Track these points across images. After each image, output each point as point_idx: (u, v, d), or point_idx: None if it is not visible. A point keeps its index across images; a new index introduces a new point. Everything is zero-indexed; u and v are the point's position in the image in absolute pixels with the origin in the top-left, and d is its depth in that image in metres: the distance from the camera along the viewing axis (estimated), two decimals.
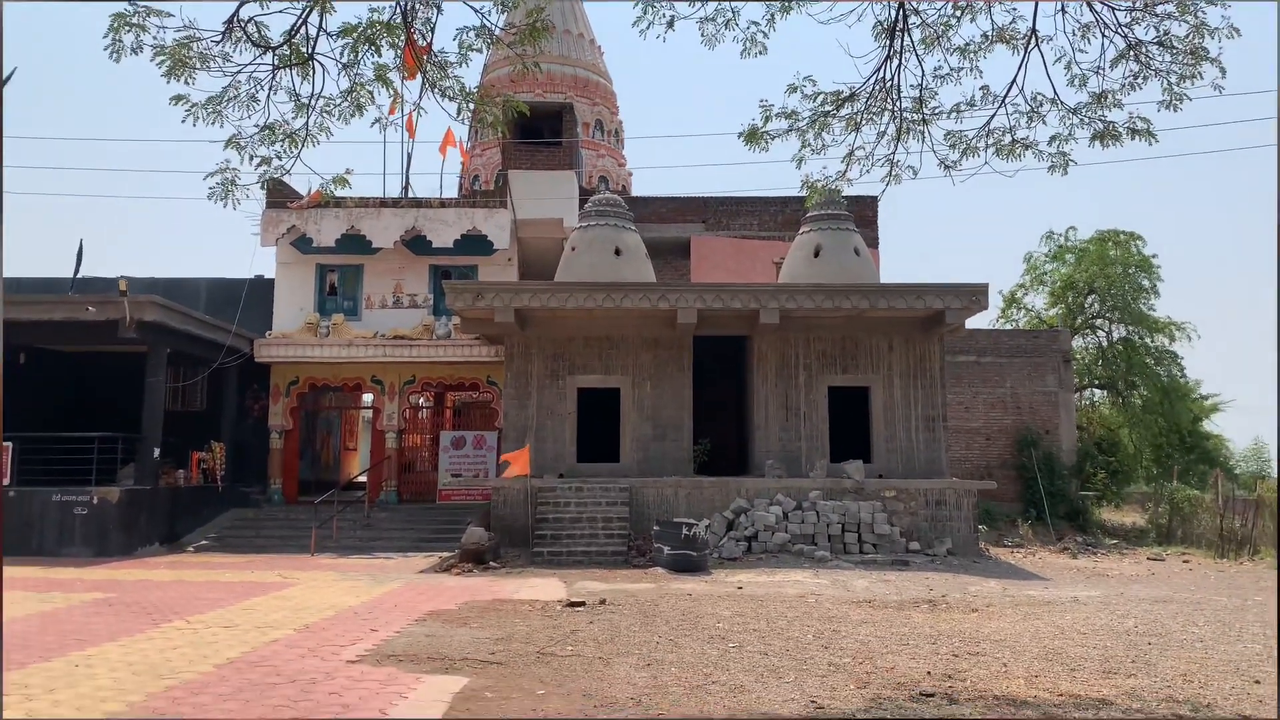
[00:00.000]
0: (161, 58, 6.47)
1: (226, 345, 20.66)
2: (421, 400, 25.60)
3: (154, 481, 18.48)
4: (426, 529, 19.85)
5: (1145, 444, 29.18)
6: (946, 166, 8.47)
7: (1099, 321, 31.28)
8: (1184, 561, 18.75)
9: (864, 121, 8.28)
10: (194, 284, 23.79)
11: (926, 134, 8.34)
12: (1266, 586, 14.46)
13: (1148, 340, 30.14)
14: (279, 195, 21.90)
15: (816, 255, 20.75)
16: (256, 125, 7.07)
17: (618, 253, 20.71)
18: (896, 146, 8.43)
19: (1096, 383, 31.52)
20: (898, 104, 8.08)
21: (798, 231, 22.22)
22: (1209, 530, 21.30)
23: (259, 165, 7.16)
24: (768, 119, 8.07)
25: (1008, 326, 32.45)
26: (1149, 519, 24.50)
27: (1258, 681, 7.42)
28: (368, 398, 24.72)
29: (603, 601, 11.56)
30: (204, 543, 18.98)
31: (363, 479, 24.00)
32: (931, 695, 6.82)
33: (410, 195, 23.60)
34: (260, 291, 23.29)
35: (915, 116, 8.18)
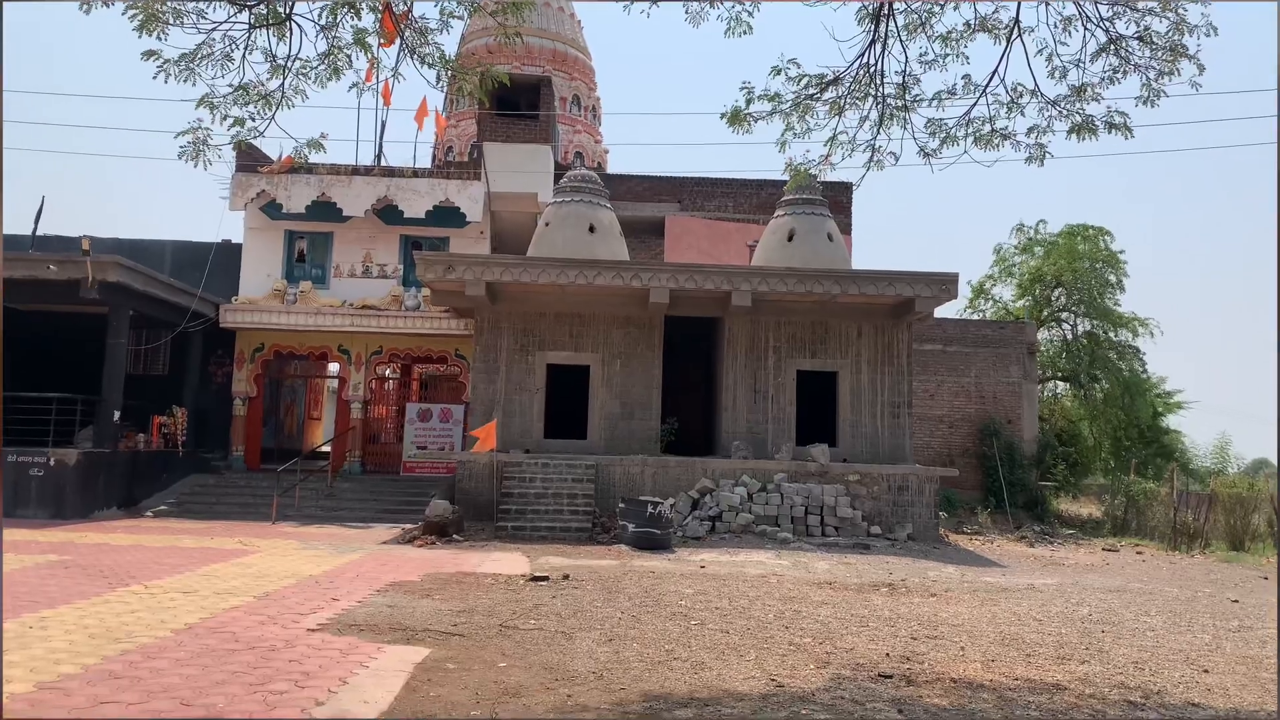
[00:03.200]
0: (134, 11, 6.31)
1: (191, 309, 20.37)
2: (388, 371, 25.42)
3: (113, 445, 18.21)
4: (390, 500, 19.76)
5: (1105, 437, 29.64)
6: (926, 154, 8.49)
7: (1064, 315, 31.65)
8: (1137, 553, 19.10)
9: (847, 106, 8.27)
10: (159, 246, 23.38)
11: (908, 121, 8.36)
12: (1216, 579, 14.78)
13: (1111, 335, 30.55)
14: (249, 159, 21.55)
15: (790, 239, 20.80)
16: (230, 85, 6.93)
17: (592, 230, 20.62)
18: (879, 132, 8.44)
19: (1060, 375, 31.92)
20: (881, 89, 8.08)
21: (773, 215, 22.25)
22: (1163, 523, 21.72)
23: (231, 126, 7.01)
24: (750, 100, 8.03)
25: (975, 317, 32.74)
26: (1105, 510, 24.93)
27: (1206, 671, 7.58)
28: (334, 367, 24.51)
29: (566, 577, 11.58)
30: (163, 508, 18.76)
31: (326, 449, 23.82)
32: (890, 676, 6.90)
33: (383, 164, 23.32)
34: (227, 256, 22.95)
35: (898, 102, 8.19)
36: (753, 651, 7.62)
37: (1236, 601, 11.98)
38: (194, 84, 6.82)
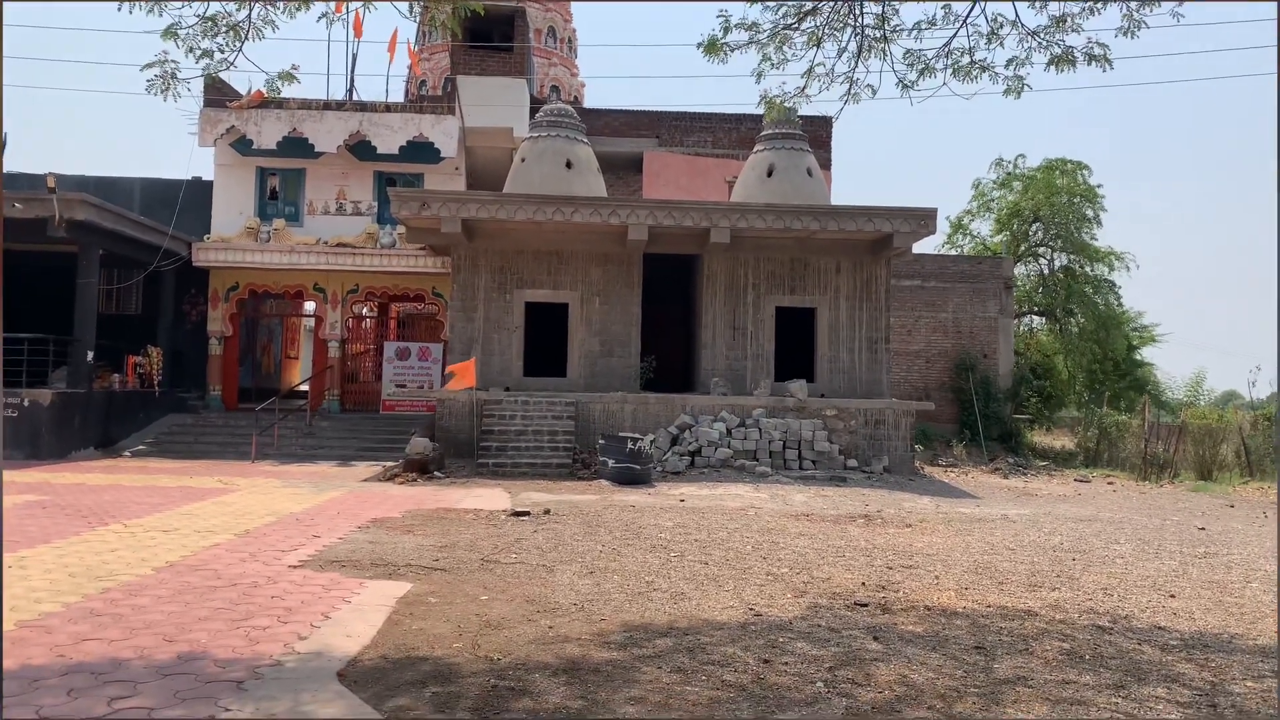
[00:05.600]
0: None
1: (163, 248, 20.06)
2: (365, 310, 25.24)
3: (87, 385, 18.06)
4: (370, 439, 19.77)
5: (1079, 370, 29.98)
6: (905, 86, 8.38)
7: (1042, 249, 31.77)
8: (1109, 483, 19.46)
9: (825, 36, 8.13)
10: (127, 184, 22.93)
11: (887, 52, 8.23)
12: (1185, 507, 15.10)
13: (1087, 269, 30.72)
14: (218, 93, 21.07)
15: (770, 175, 20.65)
16: (197, 16, 6.72)
17: (569, 165, 20.38)
18: (857, 64, 8.30)
19: (1036, 309, 32.15)
20: (860, 19, 7.94)
21: (752, 150, 22.05)
22: (1134, 454, 22.11)
23: (200, 58, 6.81)
24: (727, 30, 7.88)
25: (953, 252, 32.79)
26: (1078, 442, 25.33)
27: (1172, 596, 7.78)
28: (310, 306, 24.30)
29: (547, 511, 11.67)
30: (141, 448, 18.69)
31: (304, 388, 23.71)
32: (866, 605, 7.03)
33: (355, 99, 22.85)
34: (198, 194, 22.55)
35: (877, 33, 8.06)
36: (731, 582, 7.74)
37: (1203, 529, 12.26)
38: (160, 14, 6.61)
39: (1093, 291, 30.35)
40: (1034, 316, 32.72)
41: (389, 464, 17.04)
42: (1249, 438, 21.48)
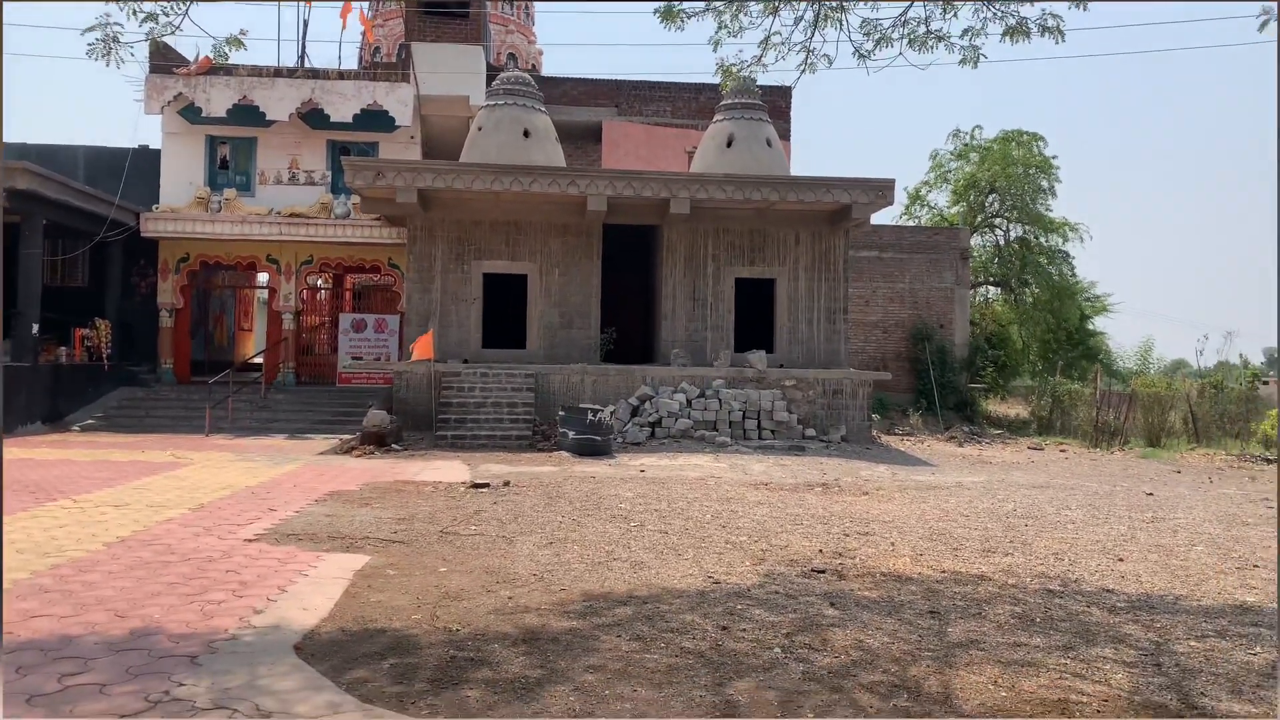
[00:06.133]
0: None
1: (109, 218, 19.57)
2: (320, 281, 24.90)
3: (33, 358, 17.63)
4: (326, 411, 19.56)
5: (1033, 340, 30.46)
6: (861, 55, 8.37)
7: (998, 220, 32.11)
8: (1061, 451, 19.84)
9: (782, 5, 8.09)
10: (71, 151, 22.31)
11: (844, 21, 8.21)
12: (1134, 474, 15.44)
13: (1042, 240, 31.13)
14: (164, 59, 20.53)
15: (729, 145, 20.60)
16: None
17: (526, 135, 20.15)
18: (814, 33, 8.28)
19: (992, 280, 32.56)
20: None
21: (711, 120, 21.97)
22: (1085, 422, 22.55)
23: (144, 21, 6.59)
24: None
25: (910, 223, 33.04)
26: (1032, 411, 25.77)
27: (1121, 560, 7.96)
28: (263, 277, 23.91)
29: (507, 483, 11.64)
30: (90, 422, 18.33)
31: (258, 360, 23.37)
32: (823, 571, 7.12)
33: (307, 65, 22.38)
34: (145, 162, 22.01)
35: (833, 2, 8.03)
36: (691, 550, 7.79)
37: (1151, 495, 12.55)
38: None
39: (1047, 262, 30.79)
40: (990, 287, 33.15)
41: (346, 437, 16.88)
42: (1195, 405, 22.00)
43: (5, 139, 20.27)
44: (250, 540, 7.75)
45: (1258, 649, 5.36)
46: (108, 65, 6.71)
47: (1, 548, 5.07)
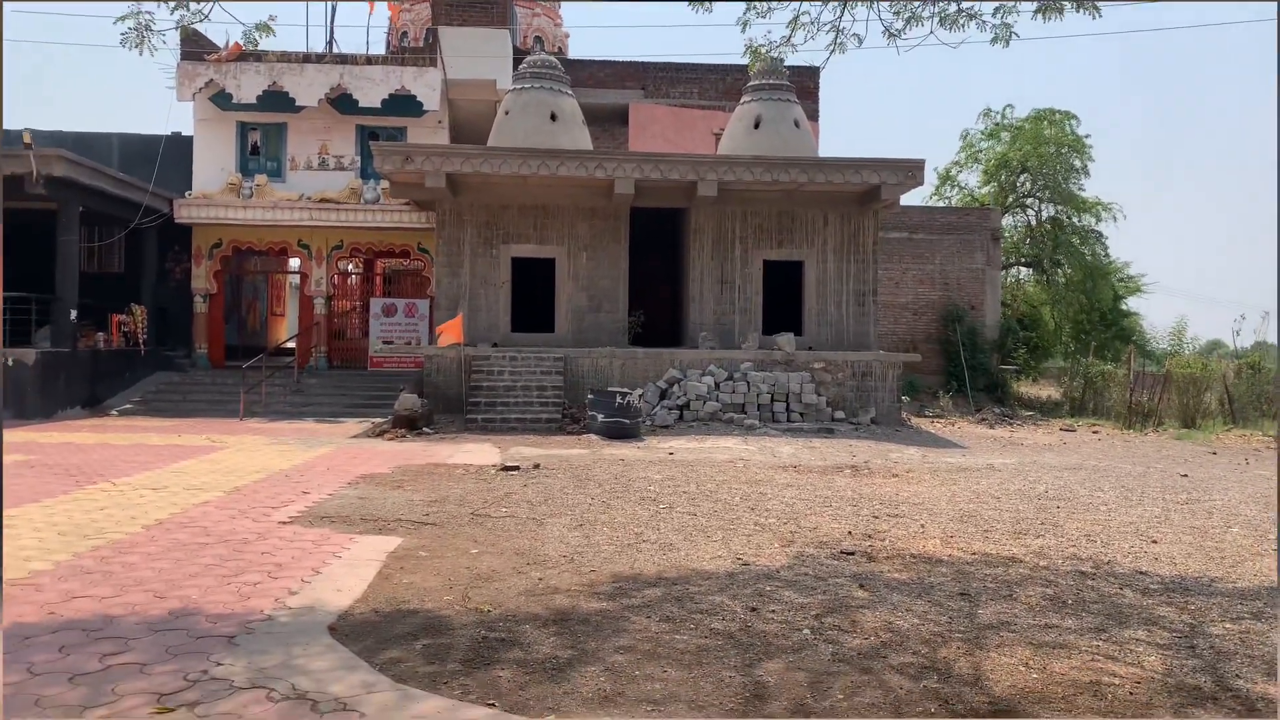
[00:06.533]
0: None
1: (144, 205, 19.82)
2: (350, 266, 25.07)
3: (72, 344, 17.94)
4: (358, 395, 19.75)
5: (1066, 321, 30.09)
6: (891, 34, 8.28)
7: (1029, 200, 31.68)
8: (1093, 432, 19.64)
9: None
10: (105, 139, 22.59)
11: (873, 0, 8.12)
12: (1168, 455, 15.27)
13: (1075, 220, 30.69)
14: (196, 46, 20.70)
15: (757, 126, 20.47)
16: None
17: (553, 118, 20.14)
18: (843, 12, 8.19)
19: (1023, 260, 32.16)
20: None
21: (738, 101, 21.83)
22: (1119, 403, 22.29)
23: (175, 9, 6.66)
24: None
25: (941, 204, 32.69)
26: (1064, 392, 25.51)
27: (1154, 541, 7.88)
28: (294, 262, 24.12)
29: (536, 466, 11.71)
30: (128, 406, 18.63)
31: (291, 345, 23.60)
32: (852, 553, 7.11)
33: (335, 51, 22.48)
34: (178, 149, 22.25)
35: None
36: (719, 533, 7.81)
37: (1186, 476, 12.41)
38: None
39: (1080, 242, 30.35)
40: (1021, 268, 32.75)
41: (377, 420, 17.04)
42: (1232, 386, 21.68)
43: (41, 128, 20.56)
44: (285, 523, 7.87)
45: None
46: (141, 54, 6.79)
47: (1, 536, 5.18)
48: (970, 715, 3.99)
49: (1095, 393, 23.79)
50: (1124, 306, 31.79)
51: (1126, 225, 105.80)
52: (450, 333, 17.49)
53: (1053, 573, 6.64)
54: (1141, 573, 6.74)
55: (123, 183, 19.25)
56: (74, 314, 17.97)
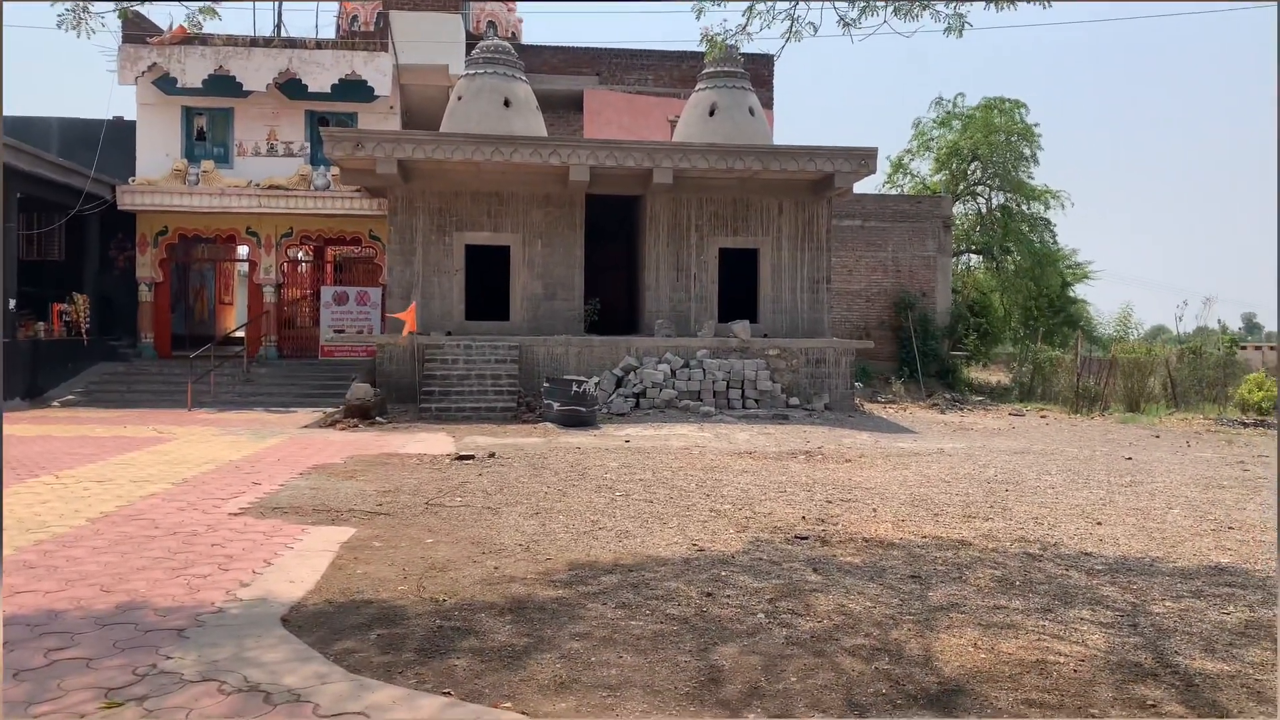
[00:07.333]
0: None
1: (85, 191, 19.35)
2: (300, 254, 24.69)
3: (10, 334, 17.48)
4: (309, 385, 19.50)
5: (1015, 307, 30.64)
6: (846, 23, 8.33)
7: (980, 188, 32.18)
8: (1042, 417, 20.02)
9: None
10: (44, 123, 21.99)
11: None
12: (1113, 438, 15.61)
13: (1024, 207, 31.22)
14: (137, 28, 20.21)
15: (712, 114, 20.50)
16: None
17: (507, 104, 19.99)
18: (798, 0, 8.23)
19: (974, 248, 32.66)
20: None
21: (694, 88, 21.84)
22: (1066, 388, 22.75)
23: None
24: None
25: (893, 192, 33.05)
26: (1013, 378, 25.98)
27: (1099, 523, 8.07)
28: (243, 250, 23.69)
29: (492, 455, 11.67)
30: (71, 397, 18.21)
31: (240, 334, 23.22)
32: (806, 538, 7.18)
33: (284, 35, 22.08)
34: (120, 134, 21.71)
35: None
36: (675, 519, 7.84)
37: (1130, 459, 12.70)
38: None
39: (1029, 229, 30.91)
40: (972, 255, 33.26)
41: (329, 410, 16.85)
42: (1175, 370, 22.22)
43: None
44: (235, 514, 7.75)
45: (1231, 609, 5.47)
46: (78, 36, 6.61)
47: (1, 526, 5.05)
48: (921, 695, 4.06)
49: (1044, 378, 24.26)
50: (1071, 293, 32.43)
51: (1074, 213, 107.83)
52: (404, 321, 17.33)
53: (1001, 555, 6.77)
54: (1087, 554, 6.89)
55: (63, 168, 18.78)
56: (12, 303, 17.52)
